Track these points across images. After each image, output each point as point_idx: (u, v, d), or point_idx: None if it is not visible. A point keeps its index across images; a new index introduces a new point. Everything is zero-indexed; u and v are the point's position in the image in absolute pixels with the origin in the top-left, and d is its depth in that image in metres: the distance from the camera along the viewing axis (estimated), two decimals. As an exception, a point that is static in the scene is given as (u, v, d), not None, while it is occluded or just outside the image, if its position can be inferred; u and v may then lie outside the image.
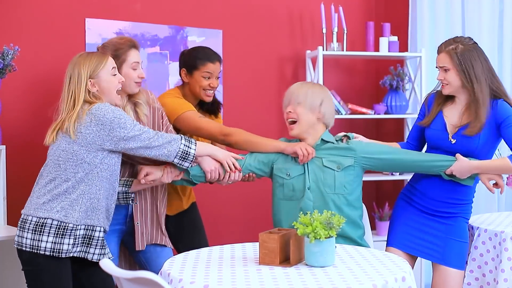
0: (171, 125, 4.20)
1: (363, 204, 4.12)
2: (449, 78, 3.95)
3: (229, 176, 4.03)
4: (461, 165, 3.93)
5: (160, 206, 4.17)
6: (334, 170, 3.97)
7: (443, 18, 6.03)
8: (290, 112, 4.01)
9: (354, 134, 4.16)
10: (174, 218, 4.57)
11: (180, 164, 3.80)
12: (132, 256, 4.26)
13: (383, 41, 5.98)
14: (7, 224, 4.57)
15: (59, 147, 3.54)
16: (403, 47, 6.17)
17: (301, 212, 3.85)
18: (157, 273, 3.12)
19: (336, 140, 4.07)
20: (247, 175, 4.12)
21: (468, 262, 4.23)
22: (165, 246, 4.21)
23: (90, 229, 3.60)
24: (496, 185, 3.98)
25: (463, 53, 3.91)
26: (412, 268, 4.05)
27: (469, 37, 4.01)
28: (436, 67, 4.03)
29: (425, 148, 4.23)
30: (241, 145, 4.14)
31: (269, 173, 4.12)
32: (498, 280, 4.06)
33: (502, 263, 4.06)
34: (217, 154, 3.99)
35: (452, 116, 4.04)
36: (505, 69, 5.98)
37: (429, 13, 6.07)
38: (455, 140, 3.99)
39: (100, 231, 3.63)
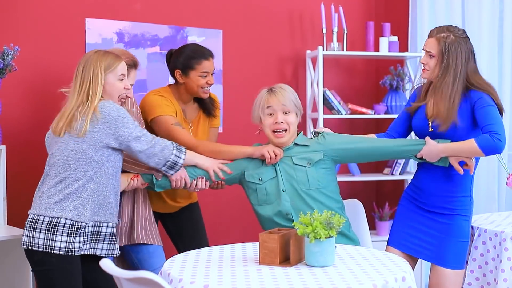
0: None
1: (341, 197, 4.14)
2: (431, 64, 3.93)
3: (195, 185, 4.06)
4: (430, 149, 3.91)
5: (141, 206, 4.17)
6: (304, 166, 3.98)
7: (443, 18, 6.02)
8: (282, 122, 3.98)
9: (324, 129, 4.20)
10: (174, 217, 4.57)
11: (166, 172, 3.88)
12: (125, 256, 4.26)
13: (383, 41, 5.99)
14: (7, 224, 4.56)
15: (67, 147, 3.55)
16: (403, 47, 6.17)
17: (286, 214, 3.92)
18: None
19: (310, 138, 4.11)
20: (216, 182, 4.14)
21: (468, 262, 4.23)
22: (157, 245, 4.21)
23: (97, 225, 3.61)
24: (466, 165, 3.92)
25: (452, 44, 3.87)
26: (413, 268, 4.05)
27: (463, 30, 3.96)
28: (423, 49, 4.01)
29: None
30: (209, 156, 4.12)
31: (239, 180, 4.13)
32: (498, 280, 4.06)
33: (502, 263, 4.06)
34: (203, 163, 4.05)
35: (430, 105, 4.01)
36: (505, 69, 5.97)
37: (429, 13, 6.07)
38: (432, 129, 3.98)
39: (107, 226, 3.66)
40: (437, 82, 3.91)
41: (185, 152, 3.88)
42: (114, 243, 3.71)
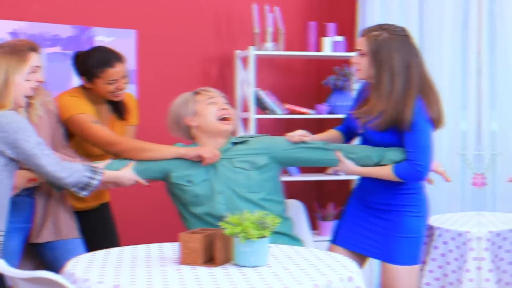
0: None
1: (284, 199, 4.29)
2: (363, 63, 4.02)
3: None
4: (345, 168, 4.11)
5: (58, 199, 4.23)
6: (247, 170, 4.10)
7: (396, 16, 6.20)
8: (229, 109, 4.16)
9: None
10: (84, 216, 4.59)
11: (77, 193, 3.87)
12: (39, 255, 4.29)
13: (326, 41, 6.27)
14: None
15: None
16: (352, 47, 6.35)
17: (220, 216, 3.94)
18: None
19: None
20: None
21: (427, 262, 4.33)
22: (76, 243, 4.26)
23: None
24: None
25: (384, 42, 3.96)
26: (362, 266, 4.13)
27: (403, 28, 4.06)
28: (355, 49, 4.13)
29: None
30: (132, 153, 4.18)
31: (163, 179, 4.21)
32: (462, 280, 4.17)
33: (467, 263, 4.20)
34: (123, 181, 4.09)
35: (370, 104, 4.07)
36: (469, 67, 6.15)
37: (381, 11, 6.24)
38: (362, 131, 4.12)
39: (2, 235, 3.68)
40: (375, 81, 4.00)
41: (101, 173, 3.89)
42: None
